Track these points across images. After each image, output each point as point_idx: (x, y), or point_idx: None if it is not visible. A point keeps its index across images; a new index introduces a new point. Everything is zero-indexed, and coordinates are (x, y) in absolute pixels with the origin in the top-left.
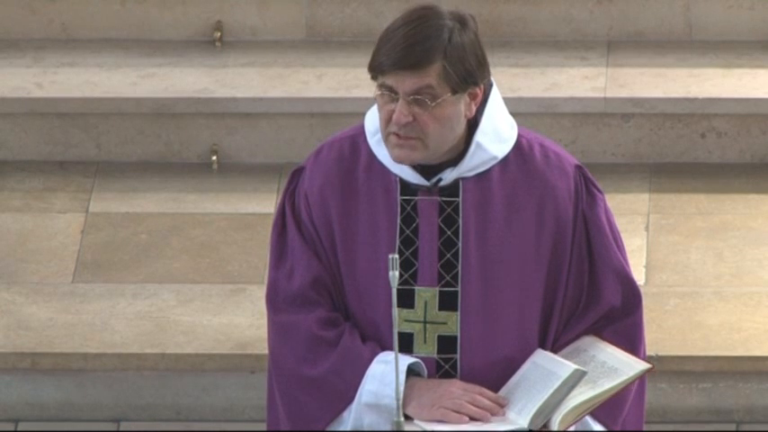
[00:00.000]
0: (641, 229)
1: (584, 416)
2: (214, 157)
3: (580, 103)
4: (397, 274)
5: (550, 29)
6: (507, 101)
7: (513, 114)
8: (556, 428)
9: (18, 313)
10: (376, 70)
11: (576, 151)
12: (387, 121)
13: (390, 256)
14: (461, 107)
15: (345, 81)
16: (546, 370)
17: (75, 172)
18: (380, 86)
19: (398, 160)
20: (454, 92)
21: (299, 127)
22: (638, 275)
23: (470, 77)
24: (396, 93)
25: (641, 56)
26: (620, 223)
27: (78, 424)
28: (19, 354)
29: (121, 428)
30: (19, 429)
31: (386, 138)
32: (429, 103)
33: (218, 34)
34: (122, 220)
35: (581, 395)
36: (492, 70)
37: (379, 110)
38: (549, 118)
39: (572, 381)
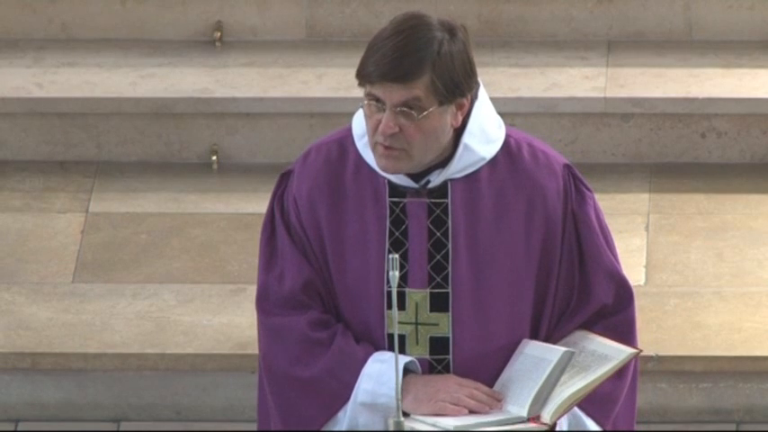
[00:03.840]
0: (641, 229)
1: (575, 404)
2: (214, 157)
3: (580, 103)
4: (397, 273)
5: (550, 29)
6: (507, 101)
7: (514, 114)
8: (548, 420)
9: (18, 313)
10: (364, 79)
11: (576, 151)
12: (374, 130)
13: (390, 256)
14: (448, 118)
15: (345, 81)
16: (536, 358)
17: (76, 172)
18: (368, 96)
19: (385, 170)
20: (441, 104)
21: (299, 127)
22: (638, 275)
23: (458, 89)
24: (383, 103)
25: (641, 56)
26: (620, 223)
27: (78, 424)
28: (19, 354)
29: (121, 428)
30: (19, 429)
31: (373, 147)
32: (416, 115)
33: (218, 34)
34: (122, 220)
35: (573, 386)
36: (492, 70)
37: (367, 118)
38: (549, 118)
39: (563, 363)
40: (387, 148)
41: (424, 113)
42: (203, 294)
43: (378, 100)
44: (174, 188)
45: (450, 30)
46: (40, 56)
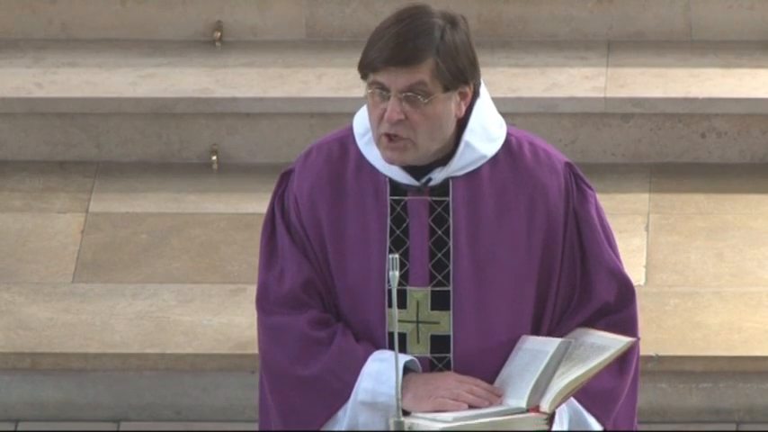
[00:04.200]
0: (641, 229)
1: (574, 393)
2: (214, 157)
3: (580, 103)
4: (397, 273)
5: (550, 29)
6: (507, 101)
7: (513, 114)
8: (547, 409)
9: (18, 313)
10: (367, 68)
11: (575, 151)
12: (378, 120)
13: (390, 256)
14: (452, 106)
15: (345, 81)
16: (533, 351)
17: (76, 172)
18: (372, 84)
19: (390, 162)
20: (446, 89)
21: (299, 127)
22: (638, 275)
23: (462, 75)
24: (387, 90)
25: (641, 56)
26: (620, 223)
27: (78, 424)
28: (19, 354)
29: (121, 428)
30: (19, 429)
31: (377, 139)
32: (422, 99)
33: (218, 34)
34: (122, 220)
35: (571, 374)
36: (492, 70)
37: (371, 111)
38: (549, 118)
39: (560, 353)
40: (391, 139)
41: (430, 98)
42: (203, 294)
43: (382, 87)
44: (174, 188)
45: (452, 19)
46: (40, 56)
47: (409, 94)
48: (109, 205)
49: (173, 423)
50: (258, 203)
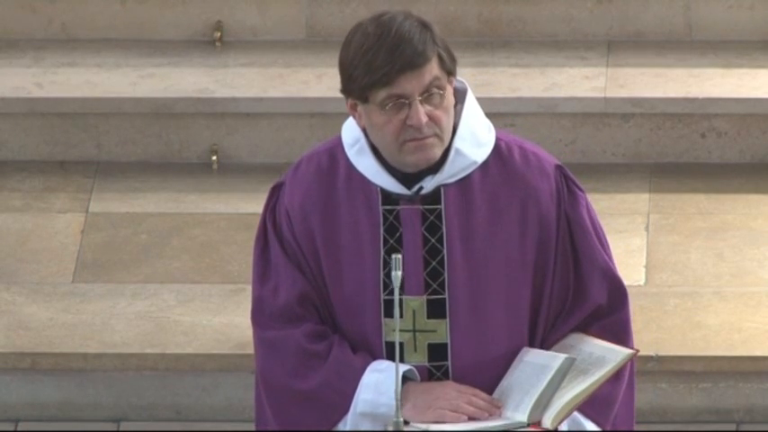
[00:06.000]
0: (641, 229)
1: (575, 408)
2: (214, 157)
3: (580, 103)
4: (400, 273)
5: (550, 29)
6: (507, 101)
7: (514, 114)
8: (549, 425)
9: (18, 313)
10: (374, 87)
11: (575, 151)
12: (398, 132)
13: (393, 256)
14: (452, 94)
15: None
16: (536, 365)
17: (75, 172)
18: (388, 99)
19: (419, 163)
20: (449, 78)
21: (299, 127)
22: (638, 275)
23: (455, 60)
24: (407, 98)
25: (641, 56)
26: (620, 223)
27: (78, 424)
28: (19, 354)
29: (121, 428)
30: (19, 429)
31: (400, 147)
32: (442, 93)
33: (218, 34)
34: (122, 220)
35: (572, 390)
36: (492, 70)
37: (383, 126)
38: (549, 118)
39: (563, 369)
40: (418, 140)
41: (445, 90)
42: (203, 294)
43: (400, 97)
44: (174, 188)
45: (412, 14)
46: (40, 56)
47: (428, 93)
48: (109, 205)
49: (173, 423)
50: (258, 203)
